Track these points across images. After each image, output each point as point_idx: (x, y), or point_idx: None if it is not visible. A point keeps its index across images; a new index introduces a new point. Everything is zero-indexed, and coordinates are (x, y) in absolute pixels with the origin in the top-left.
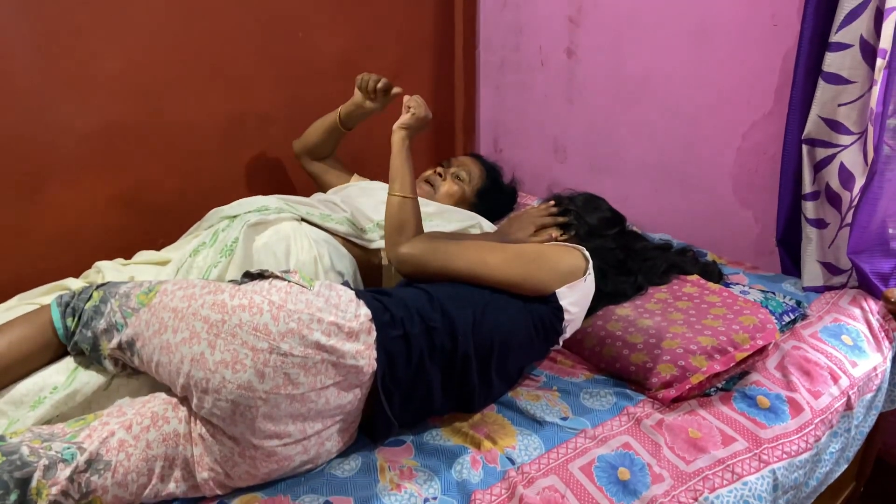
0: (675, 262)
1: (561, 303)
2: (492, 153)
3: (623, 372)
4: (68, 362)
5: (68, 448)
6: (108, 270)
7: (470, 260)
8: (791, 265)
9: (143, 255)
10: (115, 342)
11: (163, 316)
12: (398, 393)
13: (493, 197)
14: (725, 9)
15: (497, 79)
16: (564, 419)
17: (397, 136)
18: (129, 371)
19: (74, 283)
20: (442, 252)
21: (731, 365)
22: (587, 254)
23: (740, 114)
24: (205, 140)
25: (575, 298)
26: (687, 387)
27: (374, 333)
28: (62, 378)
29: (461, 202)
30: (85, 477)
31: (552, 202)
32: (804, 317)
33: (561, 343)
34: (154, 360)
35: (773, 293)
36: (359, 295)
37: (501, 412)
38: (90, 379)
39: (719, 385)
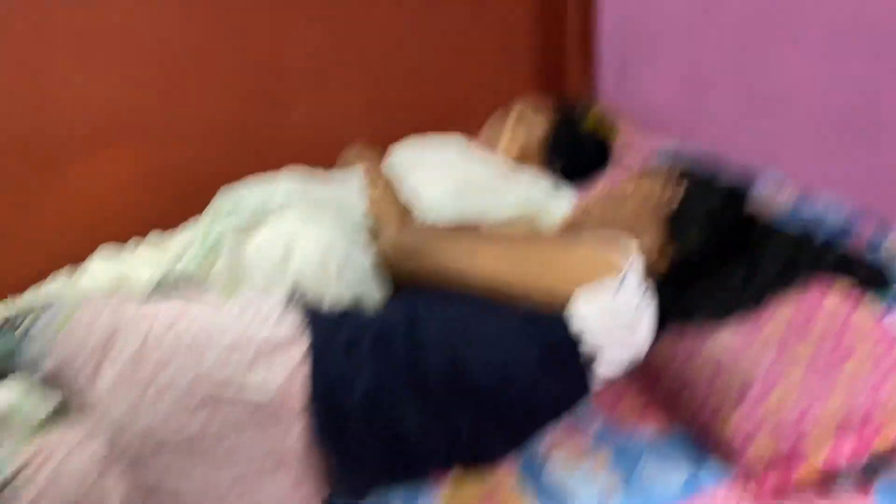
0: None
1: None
2: (616, 81)
3: (706, 434)
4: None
5: None
6: (99, 265)
7: (454, 258)
8: None
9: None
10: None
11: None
12: (350, 432)
13: (567, 151)
14: None
15: None
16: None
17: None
18: None
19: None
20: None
21: (870, 450)
22: (634, 251)
23: None
24: (245, 102)
25: (596, 315)
26: (796, 474)
27: (305, 342)
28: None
29: (523, 158)
30: None
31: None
32: None
33: (594, 385)
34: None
35: None
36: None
37: (524, 481)
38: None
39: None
